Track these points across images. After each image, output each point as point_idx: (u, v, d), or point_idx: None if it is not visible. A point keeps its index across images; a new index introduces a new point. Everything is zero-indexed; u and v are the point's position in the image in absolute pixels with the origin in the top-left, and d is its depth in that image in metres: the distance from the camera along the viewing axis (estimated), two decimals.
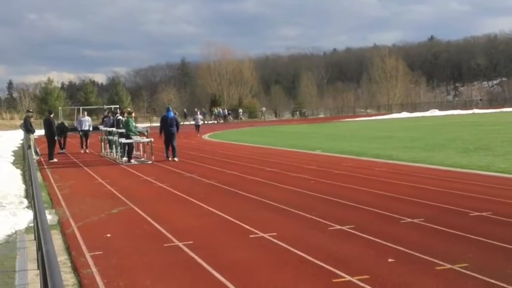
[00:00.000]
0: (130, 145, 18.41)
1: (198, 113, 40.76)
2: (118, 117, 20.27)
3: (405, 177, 12.30)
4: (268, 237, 7.00)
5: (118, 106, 50.14)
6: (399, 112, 79.41)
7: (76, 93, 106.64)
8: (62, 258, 6.37)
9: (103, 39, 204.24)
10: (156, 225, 8.03)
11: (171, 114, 19.46)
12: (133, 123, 18.64)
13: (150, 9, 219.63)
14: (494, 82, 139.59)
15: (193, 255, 6.29)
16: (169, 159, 18.61)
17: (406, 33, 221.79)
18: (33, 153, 21.15)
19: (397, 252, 6.05)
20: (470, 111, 71.14)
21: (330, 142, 24.95)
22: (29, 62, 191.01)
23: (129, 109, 21.75)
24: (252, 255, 6.25)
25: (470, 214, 7.91)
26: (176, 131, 19.05)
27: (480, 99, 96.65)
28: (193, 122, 44.11)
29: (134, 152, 19.44)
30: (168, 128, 18.78)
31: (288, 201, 9.56)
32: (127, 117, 18.74)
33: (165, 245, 6.84)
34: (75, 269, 5.97)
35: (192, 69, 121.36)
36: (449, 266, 5.47)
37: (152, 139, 19.23)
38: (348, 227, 7.36)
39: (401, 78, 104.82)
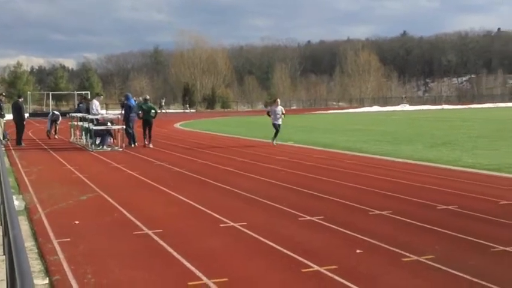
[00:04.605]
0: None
1: (278, 102, 20.24)
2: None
3: (374, 169, 12.44)
4: (238, 226, 7.02)
5: (88, 92, 49.55)
6: (370, 106, 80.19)
7: (46, 78, 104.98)
8: (28, 244, 6.28)
9: (73, 24, 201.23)
10: (126, 212, 7.98)
11: (133, 101, 20.32)
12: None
13: None
14: (464, 79, 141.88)
15: (162, 243, 6.27)
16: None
17: (380, 28, 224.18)
18: (1, 137, 20.85)
19: (365, 244, 6.12)
20: (439, 107, 72.21)
21: (302, 134, 25.07)
22: None
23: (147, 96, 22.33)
24: (222, 244, 6.26)
25: (437, 207, 8.05)
26: (131, 119, 19.75)
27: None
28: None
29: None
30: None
31: (259, 191, 9.59)
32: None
33: (135, 232, 6.80)
34: (42, 256, 5.89)
35: (165, 57, 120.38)
36: (415, 257, 5.57)
37: (124, 126, 19.22)
38: (317, 217, 7.43)
39: (374, 72, 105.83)
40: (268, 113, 19.99)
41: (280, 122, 19.24)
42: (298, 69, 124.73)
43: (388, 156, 15.26)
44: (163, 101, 67.95)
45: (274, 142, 19.05)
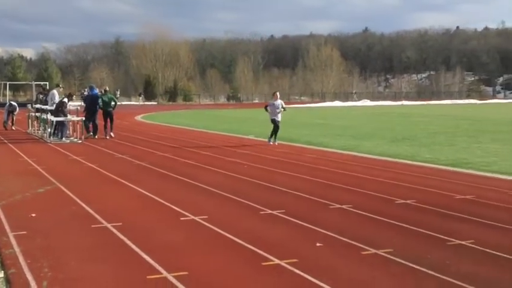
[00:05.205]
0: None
1: (278, 95, 17.92)
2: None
3: (335, 164, 12.56)
4: (199, 220, 6.98)
5: (47, 83, 48.48)
6: (332, 101, 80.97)
7: (3, 68, 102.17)
8: None
9: (32, 12, 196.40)
10: (84, 205, 7.84)
11: (96, 92, 20.58)
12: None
13: None
14: (423, 75, 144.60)
15: (122, 236, 6.18)
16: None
17: (342, 23, 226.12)
18: None
19: (325, 237, 6.17)
20: (399, 103, 73.42)
21: (264, 127, 25.09)
22: None
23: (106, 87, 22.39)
24: (182, 237, 6.21)
25: (396, 201, 8.18)
26: (96, 110, 19.89)
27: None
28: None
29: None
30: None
31: (220, 185, 9.56)
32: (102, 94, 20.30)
33: (93, 226, 6.69)
34: None
35: (126, 49, 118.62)
36: (374, 251, 5.64)
37: (83, 118, 19.02)
38: (278, 211, 7.45)
39: (336, 67, 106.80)
40: (266, 108, 17.73)
41: (279, 118, 17.24)
42: (260, 63, 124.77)
43: (348, 150, 15.42)
44: (118, 92, 67.57)
45: (277, 142, 17.20)
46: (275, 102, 17.40)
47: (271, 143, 17.10)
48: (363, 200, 8.33)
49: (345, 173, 11.09)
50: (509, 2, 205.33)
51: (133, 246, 5.79)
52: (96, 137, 19.23)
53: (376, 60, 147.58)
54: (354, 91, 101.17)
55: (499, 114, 40.16)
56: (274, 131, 17.21)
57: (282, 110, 17.40)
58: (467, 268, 5.10)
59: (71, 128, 19.80)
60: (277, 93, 18.05)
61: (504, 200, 8.26)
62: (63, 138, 18.11)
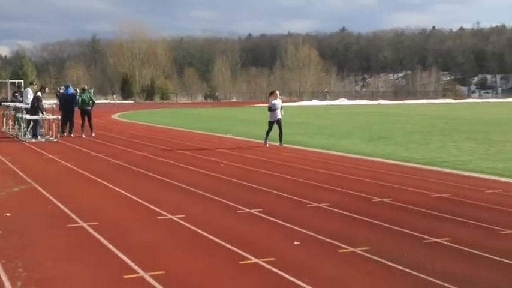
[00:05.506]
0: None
1: (277, 94, 16.76)
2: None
3: (312, 163, 12.60)
4: (176, 219, 6.94)
5: (22, 81, 47.82)
6: (310, 100, 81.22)
7: None
8: None
9: (7, 9, 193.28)
10: (60, 205, 7.74)
11: (71, 91, 20.58)
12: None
13: None
14: (400, 75, 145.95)
15: (98, 236, 6.12)
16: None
17: (320, 23, 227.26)
18: None
19: (303, 236, 6.19)
20: (376, 102, 74.00)
21: (242, 126, 25.10)
22: None
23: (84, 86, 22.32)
24: (159, 237, 6.18)
25: (373, 200, 8.24)
26: (73, 109, 19.76)
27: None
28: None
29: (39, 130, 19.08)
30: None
31: (198, 184, 9.53)
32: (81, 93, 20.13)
33: (69, 225, 6.62)
34: None
35: (103, 47, 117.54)
36: (351, 249, 5.67)
37: (59, 116, 18.86)
38: (256, 210, 7.45)
39: (314, 66, 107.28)
40: (269, 108, 16.18)
41: (280, 116, 16.04)
42: (238, 62, 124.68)
43: (326, 149, 15.49)
44: (92, 90, 67.43)
45: (268, 144, 15.99)
46: (275, 102, 16.15)
47: (267, 145, 15.87)
48: (340, 198, 8.37)
49: (322, 172, 11.13)
50: (484, 3, 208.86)
51: (110, 246, 5.74)
52: (72, 135, 19.06)
53: (353, 59, 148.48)
54: (325, 90, 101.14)
55: (473, 113, 40.71)
56: (268, 133, 16.11)
57: (281, 111, 16.25)
58: (443, 266, 5.16)
59: (46, 126, 19.57)
60: (277, 92, 16.67)
61: (479, 198, 8.37)
62: (39, 137, 17.88)
